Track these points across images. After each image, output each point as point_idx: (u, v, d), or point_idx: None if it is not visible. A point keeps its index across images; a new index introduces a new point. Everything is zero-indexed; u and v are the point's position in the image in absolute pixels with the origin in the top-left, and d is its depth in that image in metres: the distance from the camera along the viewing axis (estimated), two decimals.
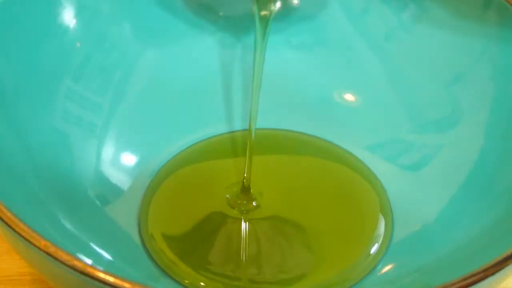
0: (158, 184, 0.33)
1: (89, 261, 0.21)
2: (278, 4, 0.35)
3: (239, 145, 0.35)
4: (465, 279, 0.22)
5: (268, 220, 0.32)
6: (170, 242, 0.31)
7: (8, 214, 0.22)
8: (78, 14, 0.33)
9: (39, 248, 0.21)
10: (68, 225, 0.28)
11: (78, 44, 0.33)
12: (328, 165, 0.35)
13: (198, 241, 0.31)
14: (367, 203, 0.33)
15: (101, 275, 0.21)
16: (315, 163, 0.35)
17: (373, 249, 0.30)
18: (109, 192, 0.32)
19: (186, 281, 0.29)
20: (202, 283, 0.29)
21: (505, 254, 0.23)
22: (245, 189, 0.32)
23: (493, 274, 0.22)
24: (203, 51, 0.37)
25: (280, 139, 0.36)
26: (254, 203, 0.32)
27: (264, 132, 0.35)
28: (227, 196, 0.32)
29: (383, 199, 0.33)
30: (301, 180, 0.34)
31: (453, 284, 0.22)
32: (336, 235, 0.31)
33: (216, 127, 0.36)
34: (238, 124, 0.36)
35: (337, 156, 0.35)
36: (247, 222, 0.32)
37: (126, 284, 0.20)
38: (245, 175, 0.32)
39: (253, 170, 0.32)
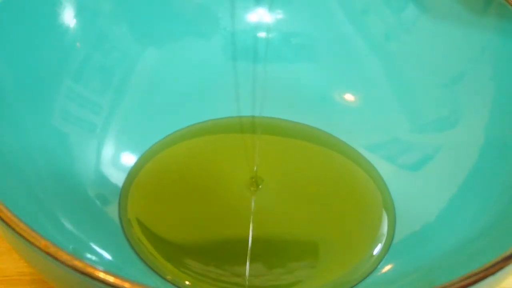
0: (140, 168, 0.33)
1: (89, 261, 0.21)
2: None
3: (235, 129, 0.35)
4: (465, 279, 0.22)
5: (265, 214, 0.31)
6: (150, 234, 0.30)
7: (8, 214, 0.22)
8: (78, 14, 0.33)
9: (39, 248, 0.21)
10: (68, 225, 0.28)
11: (78, 44, 0.33)
12: (331, 157, 0.34)
13: (187, 234, 0.31)
14: (370, 200, 0.32)
15: (101, 275, 0.21)
16: (317, 153, 0.35)
17: (377, 249, 0.30)
18: (109, 192, 0.32)
19: (169, 277, 0.29)
20: (187, 282, 0.29)
21: (505, 254, 0.23)
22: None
23: (493, 274, 0.22)
24: (203, 51, 0.37)
25: (282, 128, 0.36)
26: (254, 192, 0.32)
27: (267, 121, 0.35)
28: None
29: (386, 196, 0.32)
30: (303, 173, 0.34)
31: (453, 284, 0.22)
32: (339, 234, 0.31)
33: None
34: (238, 122, 0.36)
35: (338, 148, 0.35)
36: (242, 215, 0.31)
37: (126, 284, 0.20)
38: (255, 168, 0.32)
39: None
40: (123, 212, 0.31)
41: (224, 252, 0.30)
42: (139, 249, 0.30)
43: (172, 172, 0.33)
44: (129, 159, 0.33)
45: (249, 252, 0.30)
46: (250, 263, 0.29)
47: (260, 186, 0.32)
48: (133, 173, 0.33)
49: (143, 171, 0.33)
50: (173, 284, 0.29)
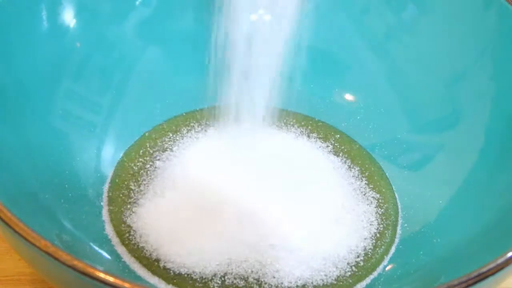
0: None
1: (89, 261, 0.21)
2: None
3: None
4: (465, 279, 0.22)
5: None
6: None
7: (8, 214, 0.22)
8: (78, 14, 0.33)
9: (39, 248, 0.21)
10: (68, 225, 0.28)
11: (78, 44, 0.33)
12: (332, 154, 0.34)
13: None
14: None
15: (101, 275, 0.21)
16: (317, 150, 0.35)
17: (377, 250, 0.30)
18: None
19: (157, 275, 0.29)
20: (174, 280, 0.29)
21: (505, 254, 0.23)
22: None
23: (493, 274, 0.22)
24: (202, 51, 0.37)
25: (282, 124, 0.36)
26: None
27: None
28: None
29: (390, 196, 0.32)
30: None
31: (453, 284, 0.22)
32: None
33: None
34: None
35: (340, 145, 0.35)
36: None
37: (126, 284, 0.21)
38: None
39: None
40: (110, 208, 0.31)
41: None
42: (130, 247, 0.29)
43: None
44: None
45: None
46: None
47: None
48: (118, 169, 0.33)
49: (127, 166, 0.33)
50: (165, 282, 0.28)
